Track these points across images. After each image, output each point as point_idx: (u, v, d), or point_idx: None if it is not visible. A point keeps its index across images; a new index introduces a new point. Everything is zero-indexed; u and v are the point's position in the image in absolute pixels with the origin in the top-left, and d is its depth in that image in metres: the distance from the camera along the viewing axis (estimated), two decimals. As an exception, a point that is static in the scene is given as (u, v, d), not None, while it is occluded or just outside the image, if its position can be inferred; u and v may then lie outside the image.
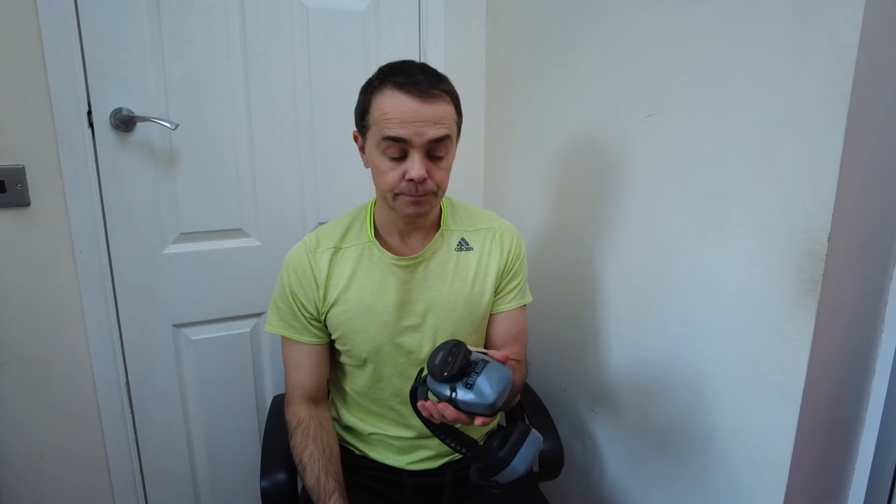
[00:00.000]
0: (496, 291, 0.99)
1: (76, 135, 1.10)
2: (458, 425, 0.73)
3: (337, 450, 0.94)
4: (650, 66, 0.95)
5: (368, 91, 0.84)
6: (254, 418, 1.41)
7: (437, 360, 0.70)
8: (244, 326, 1.36)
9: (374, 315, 0.92)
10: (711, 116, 0.84)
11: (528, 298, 1.04)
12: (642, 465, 1.07)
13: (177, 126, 1.14)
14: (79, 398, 1.21)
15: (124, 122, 1.14)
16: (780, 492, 0.78)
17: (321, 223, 1.33)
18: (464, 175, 1.47)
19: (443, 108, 0.81)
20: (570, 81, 1.16)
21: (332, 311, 0.93)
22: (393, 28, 1.37)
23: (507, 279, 0.99)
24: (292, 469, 0.94)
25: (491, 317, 1.01)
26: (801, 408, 0.75)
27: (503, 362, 0.72)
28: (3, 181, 1.06)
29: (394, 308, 0.92)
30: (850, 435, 0.81)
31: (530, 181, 1.33)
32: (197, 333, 1.31)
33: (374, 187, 0.91)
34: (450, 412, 0.68)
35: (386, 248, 0.93)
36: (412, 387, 0.77)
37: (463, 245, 0.97)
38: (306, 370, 0.96)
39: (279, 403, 1.06)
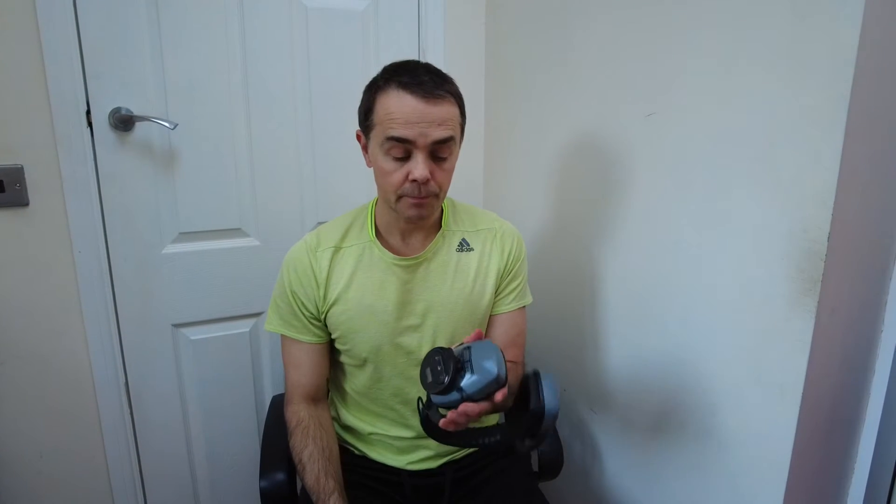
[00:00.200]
0: (496, 292, 0.99)
1: (75, 134, 1.10)
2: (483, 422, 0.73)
3: (336, 449, 0.94)
4: (650, 65, 0.95)
5: (373, 90, 0.84)
6: (253, 418, 1.41)
7: (430, 377, 0.70)
8: (243, 326, 1.35)
9: (375, 315, 0.92)
10: (711, 116, 0.84)
11: (528, 299, 1.04)
12: (642, 464, 1.07)
13: (176, 126, 1.14)
14: (78, 398, 1.21)
15: (123, 122, 1.14)
16: (780, 491, 0.78)
17: (320, 223, 1.33)
18: (463, 175, 1.47)
19: (447, 110, 0.81)
20: (570, 81, 1.16)
21: (332, 311, 0.92)
22: (392, 27, 1.37)
23: (507, 280, 0.99)
24: (292, 469, 0.94)
25: (490, 318, 1.01)
26: (800, 407, 0.75)
27: (478, 336, 0.73)
28: (1, 181, 1.06)
29: (394, 308, 0.92)
30: (850, 434, 0.81)
31: (529, 181, 1.33)
32: (196, 333, 1.31)
33: (373, 187, 0.90)
34: (472, 408, 0.68)
35: (387, 248, 0.93)
36: (422, 416, 0.77)
37: (464, 245, 0.97)
38: (306, 369, 0.96)
39: (278, 403, 1.06)
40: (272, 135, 1.29)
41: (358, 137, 0.91)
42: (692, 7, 0.85)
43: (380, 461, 1.00)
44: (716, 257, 0.86)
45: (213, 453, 1.38)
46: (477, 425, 0.82)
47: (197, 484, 1.39)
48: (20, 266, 1.11)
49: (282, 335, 0.96)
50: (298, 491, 0.96)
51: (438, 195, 0.85)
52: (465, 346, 0.72)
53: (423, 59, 1.28)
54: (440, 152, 0.82)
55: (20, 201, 1.08)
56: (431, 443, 0.99)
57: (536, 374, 0.72)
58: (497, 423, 0.79)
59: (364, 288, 0.92)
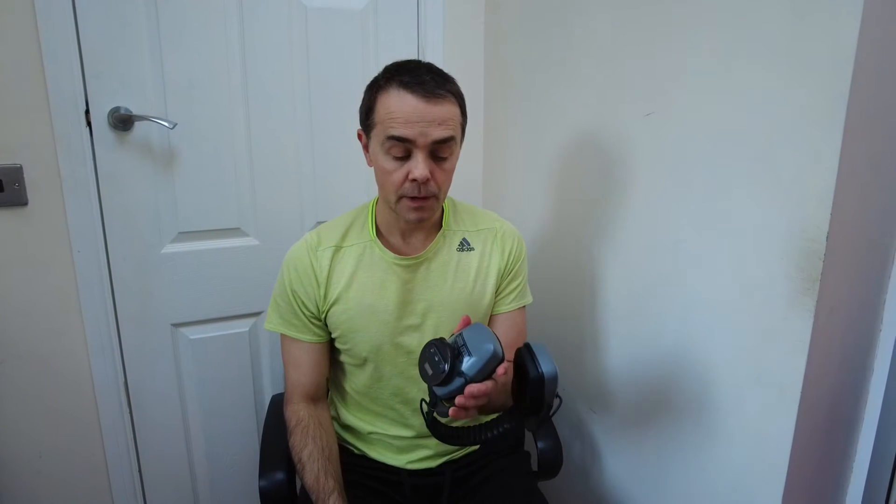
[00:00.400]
0: (496, 292, 0.99)
1: (74, 134, 1.10)
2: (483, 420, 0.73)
3: (336, 449, 0.94)
4: (649, 64, 0.95)
5: (374, 90, 0.84)
6: (252, 418, 1.41)
7: (430, 370, 0.71)
8: (243, 326, 1.35)
9: (375, 314, 0.92)
10: (710, 115, 0.84)
11: (528, 299, 1.04)
12: (641, 464, 1.07)
13: (175, 125, 1.14)
14: (77, 398, 1.21)
15: (122, 122, 1.14)
16: (779, 489, 0.79)
17: (319, 222, 1.33)
18: (462, 174, 1.47)
19: (448, 109, 0.81)
20: (569, 80, 1.16)
21: (332, 310, 0.92)
22: (391, 27, 1.37)
23: (507, 280, 0.99)
24: (291, 468, 0.94)
25: (491, 317, 1.01)
26: (799, 406, 0.75)
27: (467, 322, 0.74)
28: (0, 180, 1.05)
29: (394, 308, 0.92)
30: (849, 433, 0.81)
31: (529, 180, 1.33)
32: (195, 333, 1.31)
33: (373, 186, 0.90)
34: (477, 388, 0.69)
35: (387, 248, 0.93)
36: (428, 419, 0.77)
37: (464, 245, 0.97)
38: (306, 369, 0.96)
39: (278, 403, 1.06)
40: (271, 134, 1.28)
41: (359, 137, 0.91)
42: (691, 6, 0.85)
43: (379, 460, 1.00)
44: (715, 257, 0.86)
45: (212, 453, 1.38)
46: (480, 421, 0.83)
47: (196, 483, 1.39)
48: (19, 266, 1.11)
49: (282, 334, 0.96)
50: (298, 490, 0.96)
51: (438, 196, 0.85)
52: (456, 334, 0.73)
53: (422, 59, 1.29)
54: (440, 152, 0.82)
55: (19, 201, 1.08)
56: (431, 442, 0.99)
57: (528, 346, 0.73)
58: (500, 415, 0.79)
59: (365, 287, 0.92)
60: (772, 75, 0.74)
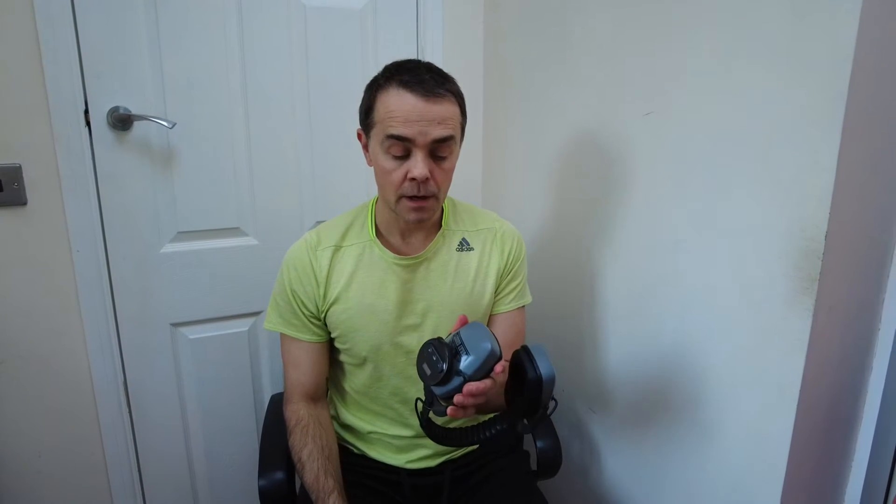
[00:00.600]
0: (496, 292, 0.99)
1: (73, 133, 1.10)
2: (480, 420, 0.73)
3: (336, 448, 0.94)
4: (648, 64, 0.95)
5: (374, 89, 0.84)
6: (252, 417, 1.41)
7: (429, 370, 0.71)
8: (242, 325, 1.35)
9: (375, 314, 0.92)
10: (709, 115, 0.84)
11: (528, 299, 1.04)
12: (640, 463, 1.07)
13: (174, 125, 1.14)
14: (76, 397, 1.21)
15: (121, 121, 1.13)
16: (778, 488, 0.79)
17: (319, 222, 1.33)
18: (462, 174, 1.47)
19: (448, 108, 0.81)
20: (569, 79, 1.16)
21: (332, 310, 0.92)
22: (391, 26, 1.37)
23: (506, 280, 0.99)
24: (291, 468, 0.94)
25: (490, 317, 1.01)
26: (798, 405, 0.75)
27: (464, 322, 0.74)
28: (0, 180, 1.06)
29: (394, 307, 0.92)
30: (847, 432, 0.81)
31: (528, 180, 1.34)
32: (194, 332, 1.31)
33: (372, 186, 0.90)
34: (476, 386, 0.69)
35: (387, 248, 0.93)
36: (422, 419, 0.77)
37: (464, 245, 0.97)
38: (305, 368, 0.96)
39: (277, 402, 1.06)
40: (271, 134, 1.28)
41: (359, 136, 0.91)
42: (691, 6, 0.85)
43: (379, 460, 1.01)
44: (714, 256, 0.86)
45: (211, 452, 1.38)
46: (474, 422, 0.83)
47: (196, 482, 1.39)
48: (19, 265, 1.11)
49: (281, 334, 0.96)
50: (297, 490, 0.96)
51: (437, 195, 0.85)
52: (454, 333, 0.73)
53: (421, 59, 1.29)
54: (440, 151, 0.82)
55: (18, 200, 1.08)
56: (430, 442, 0.98)
57: (526, 348, 0.73)
58: (494, 416, 0.79)
59: (364, 287, 0.92)
60: (771, 75, 0.74)
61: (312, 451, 0.89)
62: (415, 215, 0.85)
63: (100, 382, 1.22)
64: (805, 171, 0.71)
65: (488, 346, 0.69)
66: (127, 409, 1.27)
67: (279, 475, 0.95)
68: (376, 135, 0.83)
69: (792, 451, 0.77)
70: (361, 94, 0.88)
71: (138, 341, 1.25)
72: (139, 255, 1.21)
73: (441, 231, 0.96)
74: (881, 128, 0.70)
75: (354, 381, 0.99)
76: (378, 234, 0.94)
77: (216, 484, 1.40)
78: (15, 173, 1.07)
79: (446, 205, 0.98)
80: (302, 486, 0.90)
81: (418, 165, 0.80)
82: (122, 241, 1.19)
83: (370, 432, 1.00)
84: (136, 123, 1.15)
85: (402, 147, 0.81)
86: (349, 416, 1.02)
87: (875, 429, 0.79)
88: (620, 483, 1.14)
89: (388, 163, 0.82)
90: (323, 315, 0.93)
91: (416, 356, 0.80)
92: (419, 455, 1.00)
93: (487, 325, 1.01)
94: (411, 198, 0.83)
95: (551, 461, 1.06)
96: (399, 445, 1.00)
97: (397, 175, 0.82)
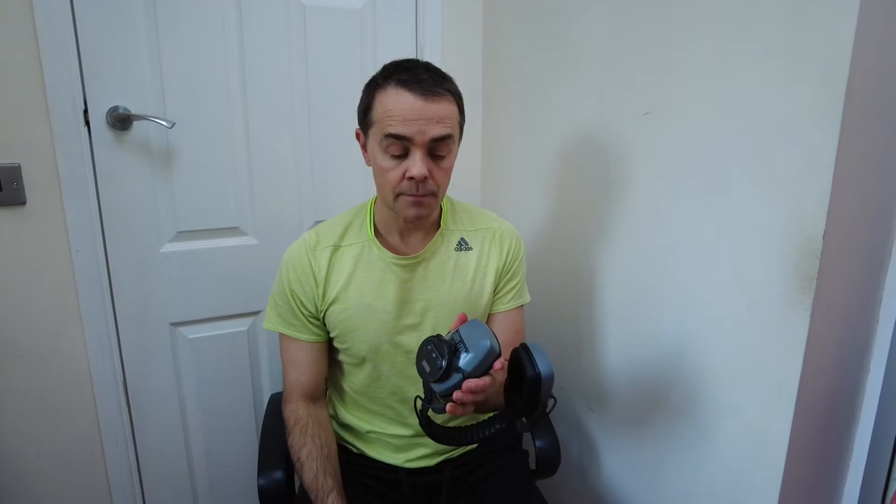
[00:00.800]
0: (494, 291, 0.99)
1: (72, 133, 1.10)
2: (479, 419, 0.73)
3: (335, 448, 0.94)
4: (647, 63, 0.95)
5: (372, 88, 0.84)
6: (251, 417, 1.41)
7: (428, 367, 0.71)
8: (241, 325, 1.35)
9: (374, 314, 0.92)
10: (707, 115, 0.84)
11: (526, 299, 1.04)
12: (638, 462, 1.07)
13: (173, 124, 1.14)
14: (76, 397, 1.21)
15: (121, 121, 1.13)
16: (776, 487, 0.79)
17: (318, 221, 1.33)
18: (460, 173, 1.47)
19: (446, 108, 0.81)
20: (568, 79, 1.16)
21: (331, 310, 0.93)
22: (390, 26, 1.37)
23: (505, 279, 0.99)
24: (290, 467, 0.94)
25: (489, 317, 1.01)
26: (796, 404, 0.75)
27: (463, 320, 0.75)
28: (-1, 180, 1.06)
29: (393, 307, 0.92)
30: (845, 431, 0.81)
31: (527, 180, 1.34)
32: (194, 332, 1.31)
33: (371, 186, 0.90)
34: (475, 383, 0.69)
35: (386, 247, 0.93)
36: (421, 418, 0.77)
37: (462, 245, 0.97)
38: (304, 368, 0.96)
39: (276, 402, 1.06)
40: (270, 133, 1.28)
41: (357, 136, 0.91)
42: (689, 6, 0.86)
43: (378, 459, 1.01)
44: (712, 255, 0.86)
45: (211, 452, 1.38)
46: (473, 422, 0.83)
47: (195, 482, 1.39)
48: (18, 265, 1.11)
49: (280, 333, 0.96)
50: (296, 489, 0.97)
51: (436, 194, 0.85)
52: (453, 331, 0.73)
53: (420, 58, 1.29)
54: (438, 150, 0.83)
55: (17, 200, 1.08)
56: (429, 441, 0.98)
57: (525, 346, 0.73)
58: (493, 415, 0.79)
59: (363, 287, 0.92)
60: (770, 74, 0.74)
61: (311, 451, 0.89)
62: (413, 211, 0.85)
63: (99, 382, 1.22)
64: (803, 171, 0.71)
65: (487, 343, 0.69)
66: (126, 409, 1.27)
67: (278, 474, 0.95)
68: (375, 134, 0.83)
69: (790, 449, 0.77)
70: (360, 94, 0.88)
71: (138, 341, 1.25)
72: (138, 255, 1.21)
73: (440, 231, 0.96)
74: (880, 127, 0.70)
75: (353, 380, 0.99)
76: (377, 233, 0.94)
77: (215, 483, 1.40)
78: (14, 173, 1.07)
79: (445, 204, 0.98)
80: (301, 485, 0.90)
81: (417, 164, 0.80)
82: (122, 241, 1.19)
83: (369, 432, 1.00)
84: (135, 123, 1.15)
85: (401, 146, 0.81)
86: (348, 416, 1.02)
87: (873, 427, 0.79)
88: (619, 482, 1.14)
89: (387, 162, 0.83)
90: (322, 315, 0.93)
91: (414, 356, 0.80)
92: (418, 454, 1.00)
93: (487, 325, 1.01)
94: (410, 194, 0.83)
95: (550, 460, 1.06)
96: (398, 445, 1.00)
97: (396, 174, 0.82)
